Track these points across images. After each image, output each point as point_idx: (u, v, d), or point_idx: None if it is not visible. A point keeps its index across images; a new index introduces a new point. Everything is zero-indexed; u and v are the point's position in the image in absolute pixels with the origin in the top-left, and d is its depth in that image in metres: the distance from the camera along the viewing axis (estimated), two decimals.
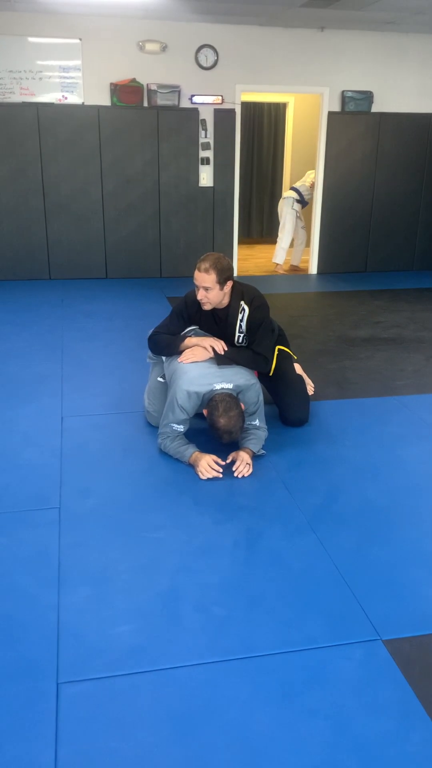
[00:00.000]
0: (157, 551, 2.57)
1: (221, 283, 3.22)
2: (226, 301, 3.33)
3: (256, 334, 3.36)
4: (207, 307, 3.31)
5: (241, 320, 3.34)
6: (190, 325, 3.48)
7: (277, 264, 8.30)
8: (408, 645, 2.11)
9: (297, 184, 8.28)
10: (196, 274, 3.23)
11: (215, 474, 3.10)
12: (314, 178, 7.94)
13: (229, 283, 3.28)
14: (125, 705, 1.87)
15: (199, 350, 3.31)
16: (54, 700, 1.88)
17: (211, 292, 3.23)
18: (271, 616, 2.23)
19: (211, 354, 3.30)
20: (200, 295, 3.26)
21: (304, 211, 8.32)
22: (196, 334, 3.45)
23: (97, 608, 2.24)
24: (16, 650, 2.05)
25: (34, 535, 2.65)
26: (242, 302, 3.33)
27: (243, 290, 3.36)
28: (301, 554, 2.56)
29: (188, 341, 3.34)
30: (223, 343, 3.32)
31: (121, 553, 2.55)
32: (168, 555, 2.54)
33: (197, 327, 3.49)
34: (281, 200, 8.44)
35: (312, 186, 8.02)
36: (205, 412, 3.19)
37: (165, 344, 3.42)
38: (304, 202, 8.16)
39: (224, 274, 3.21)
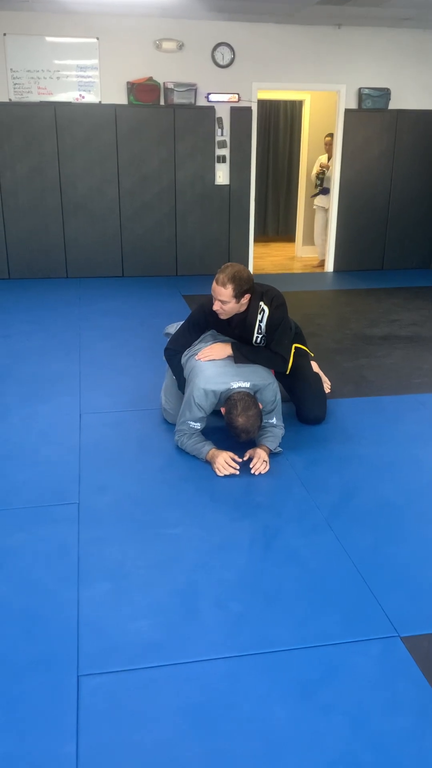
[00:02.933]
0: (174, 547, 2.58)
1: (237, 297, 3.17)
2: (245, 308, 3.31)
3: (274, 333, 3.35)
4: (223, 317, 3.30)
5: (261, 321, 3.30)
6: (207, 330, 3.48)
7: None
8: (427, 642, 2.11)
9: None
10: (214, 285, 3.19)
11: (232, 471, 3.11)
12: (322, 161, 7.99)
13: (247, 297, 3.21)
14: (144, 698, 1.89)
15: (217, 348, 3.32)
16: (75, 692, 1.90)
17: (227, 305, 3.20)
18: (289, 612, 2.24)
19: (230, 352, 3.30)
20: (216, 306, 3.24)
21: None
22: (213, 337, 3.45)
23: (115, 603, 2.27)
24: (37, 643, 2.08)
25: (53, 531, 2.68)
26: (261, 303, 3.29)
27: (263, 291, 3.32)
28: (318, 551, 2.57)
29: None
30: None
31: (139, 548, 2.57)
32: (185, 551, 2.56)
33: (214, 330, 3.49)
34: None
35: (321, 168, 8.02)
36: (222, 410, 3.20)
37: (178, 372, 3.49)
38: (325, 190, 8.12)
39: (242, 287, 3.15)
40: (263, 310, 3.29)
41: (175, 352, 3.50)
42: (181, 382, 3.47)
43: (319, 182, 8.11)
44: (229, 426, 3.17)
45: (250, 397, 3.16)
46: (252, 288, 3.24)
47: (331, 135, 7.84)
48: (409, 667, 2.01)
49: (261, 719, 1.83)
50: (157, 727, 1.80)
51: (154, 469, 3.20)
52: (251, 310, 3.30)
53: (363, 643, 2.11)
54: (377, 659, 2.04)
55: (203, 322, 3.43)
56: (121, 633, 2.13)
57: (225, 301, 3.18)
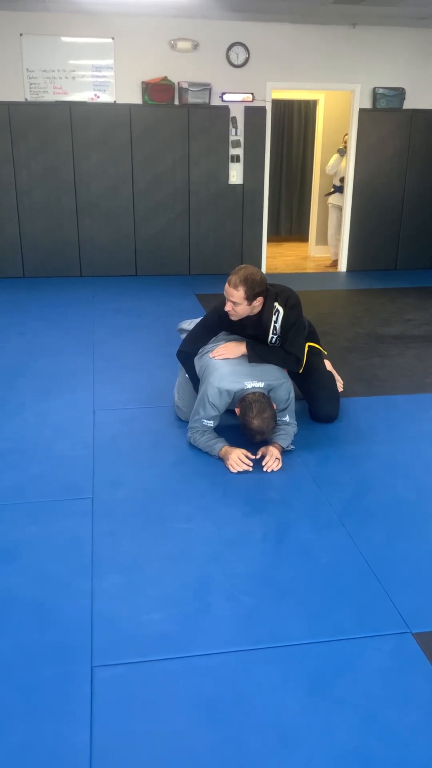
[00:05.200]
0: (187, 541, 2.60)
1: (249, 299, 3.18)
2: (257, 310, 3.32)
3: (289, 333, 3.36)
4: (235, 318, 3.31)
5: (276, 322, 3.29)
6: (221, 332, 3.50)
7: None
8: None
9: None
10: (226, 286, 3.21)
11: (245, 467, 3.12)
12: (336, 160, 8.01)
13: (260, 299, 3.22)
14: (157, 689, 1.91)
15: (231, 346, 3.33)
16: (89, 682, 1.93)
17: (238, 307, 3.22)
18: (300, 606, 2.25)
19: (244, 351, 3.31)
20: (228, 307, 3.26)
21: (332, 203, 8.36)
22: (227, 338, 3.47)
23: (129, 595, 2.29)
24: (52, 634, 2.11)
25: (67, 524, 2.70)
26: (276, 303, 3.28)
27: (277, 291, 3.32)
28: (330, 547, 2.58)
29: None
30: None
31: (152, 542, 2.59)
32: (198, 545, 2.58)
33: (227, 331, 3.50)
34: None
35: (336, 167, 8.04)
36: (237, 410, 3.22)
37: (192, 373, 3.51)
38: (339, 189, 8.11)
39: (254, 290, 3.16)
40: (278, 311, 3.29)
41: (189, 354, 3.51)
42: (196, 384, 3.48)
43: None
44: (244, 427, 3.18)
45: (265, 398, 3.17)
46: (265, 290, 3.24)
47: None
48: (421, 663, 2.01)
49: (272, 712, 1.85)
50: (169, 718, 1.82)
51: (167, 465, 3.22)
52: (266, 312, 3.30)
53: (374, 638, 2.12)
54: (389, 654, 2.05)
55: (217, 324, 3.45)
56: (135, 625, 2.15)
57: (237, 302, 3.20)
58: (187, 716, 1.83)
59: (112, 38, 6.73)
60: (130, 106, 6.93)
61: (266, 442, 3.29)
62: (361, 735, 1.78)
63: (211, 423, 3.29)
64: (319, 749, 1.74)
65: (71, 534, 2.64)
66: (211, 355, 3.34)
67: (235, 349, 3.32)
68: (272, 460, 3.17)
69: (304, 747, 1.74)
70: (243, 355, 3.32)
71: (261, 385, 3.23)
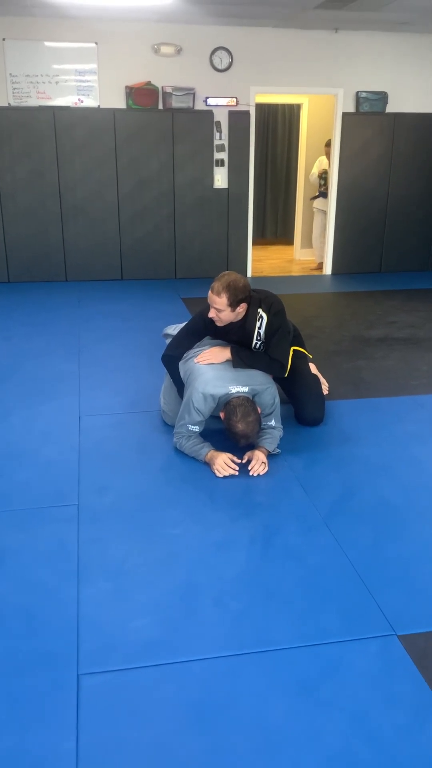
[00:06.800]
0: (174, 546, 2.60)
1: (233, 305, 3.20)
2: (241, 316, 3.33)
3: (272, 339, 3.37)
4: (220, 324, 3.33)
5: (260, 327, 3.31)
6: (205, 336, 3.50)
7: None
8: (423, 640, 2.13)
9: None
10: (209, 294, 3.22)
11: (231, 471, 3.13)
12: (323, 161, 8.08)
13: (243, 306, 3.24)
14: (144, 696, 1.91)
15: (216, 351, 3.34)
16: (75, 690, 1.92)
17: (222, 314, 3.24)
18: (287, 610, 2.26)
19: (228, 356, 3.32)
20: (212, 314, 3.27)
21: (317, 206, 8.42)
22: (211, 342, 3.47)
23: (115, 602, 2.29)
24: (38, 642, 2.10)
25: (53, 531, 2.69)
26: (260, 310, 3.30)
27: (261, 298, 3.34)
28: (316, 550, 2.59)
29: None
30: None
31: (139, 548, 2.59)
32: (185, 550, 2.58)
33: (211, 336, 3.51)
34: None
35: (323, 169, 8.09)
36: (222, 415, 3.22)
37: (176, 378, 3.51)
38: (324, 193, 8.17)
39: (237, 296, 3.18)
40: (262, 317, 3.31)
41: (174, 358, 3.51)
42: (180, 389, 3.49)
43: (322, 182, 8.11)
44: (228, 431, 3.19)
45: (249, 402, 3.18)
46: (249, 297, 3.26)
47: (328, 144, 7.88)
48: (406, 665, 2.03)
49: (260, 716, 1.85)
50: (156, 725, 1.82)
51: (153, 470, 3.22)
52: (250, 318, 3.31)
53: (360, 641, 2.13)
54: (375, 657, 2.06)
55: (202, 329, 3.45)
56: (121, 631, 2.15)
57: (220, 309, 3.22)
58: (175, 722, 1.83)
59: (96, 43, 6.72)
60: (114, 111, 6.93)
61: (252, 446, 3.30)
62: (348, 738, 1.79)
63: (196, 428, 3.29)
64: (306, 752, 1.74)
65: (57, 540, 2.63)
66: (195, 360, 3.35)
67: (220, 354, 3.33)
68: (258, 464, 3.18)
69: (292, 750, 1.75)
70: (228, 360, 3.33)
71: (245, 389, 3.24)
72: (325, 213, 8.15)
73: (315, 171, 8.28)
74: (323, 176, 8.10)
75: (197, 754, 1.74)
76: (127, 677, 1.97)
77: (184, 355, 3.48)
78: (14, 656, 2.04)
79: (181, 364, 3.48)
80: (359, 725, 1.82)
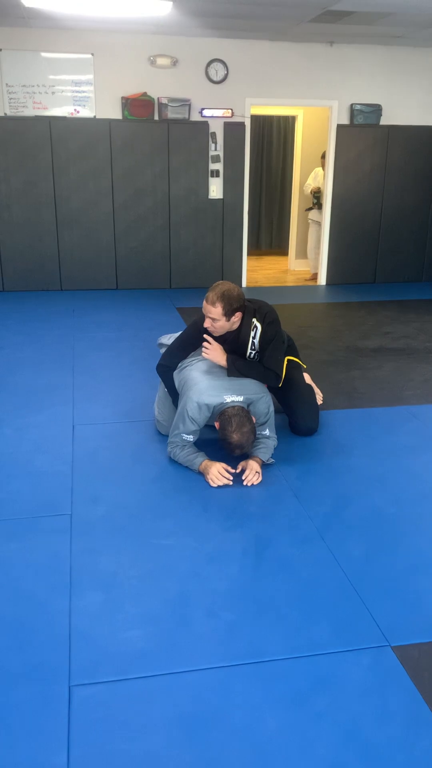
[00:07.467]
0: (166, 557, 2.59)
1: (228, 315, 3.21)
2: (236, 326, 3.34)
3: (267, 348, 3.37)
4: (215, 334, 3.33)
5: (254, 337, 3.33)
6: (200, 345, 3.50)
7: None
8: (417, 651, 2.12)
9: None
10: (204, 303, 3.23)
11: (225, 481, 3.12)
12: (318, 173, 8.14)
13: (238, 315, 3.25)
14: (136, 708, 1.89)
15: (217, 349, 3.32)
16: (66, 702, 1.90)
17: (217, 323, 3.25)
18: (280, 622, 2.25)
19: (224, 363, 3.31)
20: (207, 324, 3.28)
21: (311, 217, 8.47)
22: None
23: (107, 613, 2.27)
24: (29, 654, 2.08)
25: (45, 541, 2.68)
26: (254, 319, 3.32)
27: (255, 307, 3.35)
28: (310, 561, 2.58)
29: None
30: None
31: (132, 559, 2.58)
32: (178, 561, 2.57)
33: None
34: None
35: (317, 187, 8.15)
36: (216, 425, 3.22)
37: (170, 387, 3.51)
38: (319, 205, 8.23)
39: (232, 306, 3.19)
40: (256, 326, 3.32)
41: (168, 367, 3.51)
42: (175, 398, 3.48)
43: (315, 200, 8.21)
44: (223, 441, 3.18)
45: (244, 412, 3.17)
46: (243, 306, 3.27)
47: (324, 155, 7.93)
48: (400, 677, 2.02)
49: (252, 728, 1.84)
50: (148, 737, 1.80)
51: (147, 480, 3.21)
52: (244, 327, 3.33)
53: (354, 652, 2.12)
54: (368, 668, 2.05)
55: (197, 339, 3.45)
56: (113, 643, 2.13)
57: (215, 318, 3.22)
58: (167, 735, 1.81)
59: (92, 54, 6.76)
60: (110, 121, 6.96)
61: (246, 456, 3.30)
62: (341, 750, 1.77)
63: (190, 438, 3.28)
64: (298, 765, 1.73)
65: (49, 551, 2.61)
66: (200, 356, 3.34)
67: (220, 354, 3.32)
68: (252, 474, 3.17)
69: (284, 763, 1.73)
70: (222, 369, 3.33)
71: (240, 399, 3.24)
72: (319, 224, 8.19)
73: (310, 182, 8.33)
74: (316, 194, 8.15)
75: (189, 767, 1.72)
76: (119, 689, 1.96)
77: (179, 364, 3.48)
78: (5, 667, 2.02)
79: (175, 373, 3.48)
80: (352, 737, 1.81)
